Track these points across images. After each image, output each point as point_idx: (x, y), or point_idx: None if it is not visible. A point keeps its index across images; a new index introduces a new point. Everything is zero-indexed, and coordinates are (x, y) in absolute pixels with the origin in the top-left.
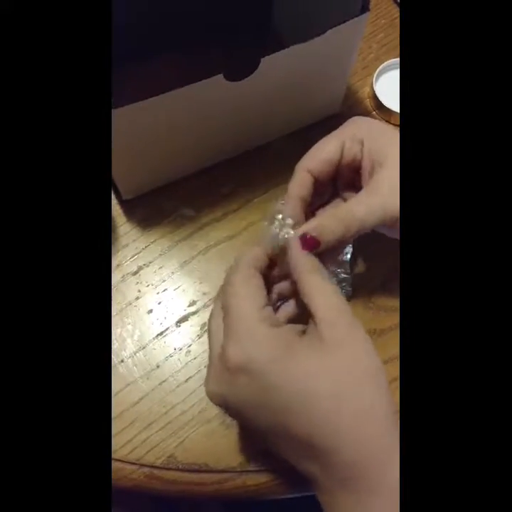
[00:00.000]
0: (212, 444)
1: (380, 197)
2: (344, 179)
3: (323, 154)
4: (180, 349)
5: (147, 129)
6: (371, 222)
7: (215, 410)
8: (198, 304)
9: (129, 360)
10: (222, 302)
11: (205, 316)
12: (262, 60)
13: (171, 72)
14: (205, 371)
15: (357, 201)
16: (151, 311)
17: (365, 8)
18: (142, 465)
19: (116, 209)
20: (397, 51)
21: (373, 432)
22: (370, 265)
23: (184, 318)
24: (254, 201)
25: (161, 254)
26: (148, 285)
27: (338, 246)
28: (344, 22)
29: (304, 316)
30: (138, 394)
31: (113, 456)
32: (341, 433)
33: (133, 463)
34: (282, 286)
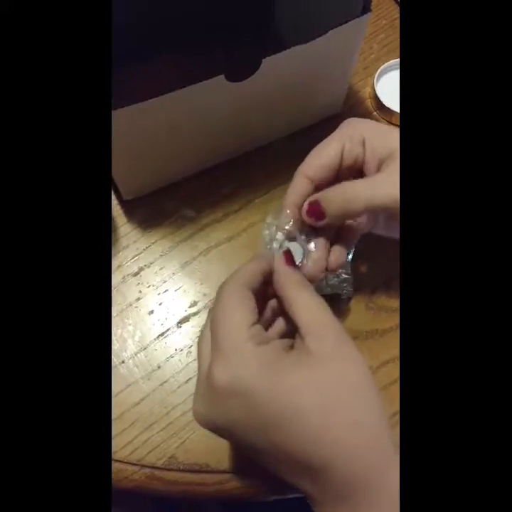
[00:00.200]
0: (213, 444)
1: (388, 185)
2: (345, 180)
3: (322, 160)
4: (182, 350)
5: (148, 130)
6: (378, 202)
7: None
8: (199, 305)
9: (130, 361)
10: (211, 321)
11: (205, 316)
12: (263, 60)
13: (172, 72)
14: None
15: (366, 181)
16: (152, 311)
17: (366, 9)
18: (143, 466)
19: (116, 210)
20: (398, 52)
21: (365, 444)
22: (371, 265)
23: (185, 319)
24: (255, 202)
25: (161, 255)
26: (149, 286)
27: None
28: (345, 23)
29: (295, 331)
30: (139, 395)
31: (114, 457)
32: (333, 447)
33: (134, 464)
34: (275, 302)
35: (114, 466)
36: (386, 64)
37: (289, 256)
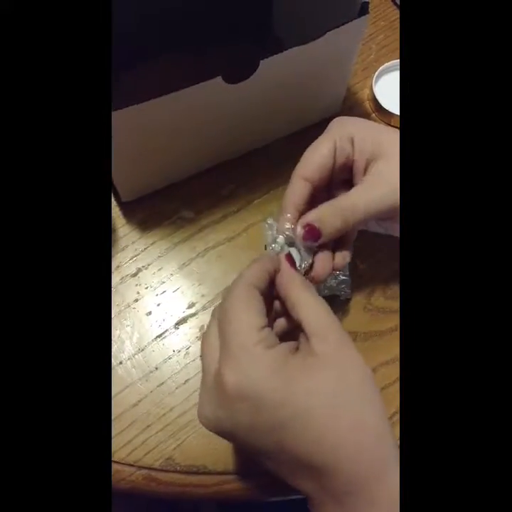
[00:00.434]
0: (210, 445)
1: (380, 188)
2: (336, 179)
3: (317, 160)
4: (179, 351)
5: (146, 132)
6: (371, 213)
7: None
8: (197, 306)
9: (128, 362)
10: (219, 323)
11: (203, 318)
12: (262, 62)
13: (170, 74)
14: None
15: (356, 192)
16: (150, 313)
17: (364, 11)
18: (141, 467)
19: (115, 211)
20: (397, 53)
21: (369, 443)
22: (369, 267)
23: (183, 320)
24: (254, 203)
25: (160, 256)
26: (147, 287)
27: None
28: (343, 25)
29: (294, 331)
30: (137, 396)
31: (111, 458)
32: (337, 449)
33: (131, 465)
34: (277, 303)
35: (112, 467)
36: (384, 65)
37: (290, 259)
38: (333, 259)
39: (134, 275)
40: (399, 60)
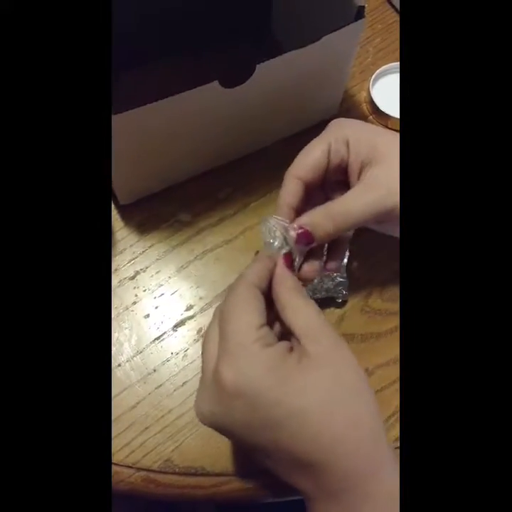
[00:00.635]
0: (208, 447)
1: (374, 192)
2: (332, 181)
3: (310, 160)
4: (177, 353)
5: (144, 135)
6: (365, 217)
7: None
8: (195, 309)
9: (126, 364)
10: (219, 322)
11: (201, 320)
12: (259, 66)
13: (167, 78)
14: None
15: (350, 197)
16: (148, 315)
17: (360, 15)
18: (139, 469)
19: (113, 214)
20: (394, 55)
21: (365, 441)
22: (366, 269)
23: (181, 323)
24: (251, 206)
25: (157, 259)
26: (145, 290)
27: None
28: (339, 28)
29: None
30: (135, 398)
31: (111, 460)
32: (334, 446)
33: (130, 467)
34: None
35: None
36: (382, 68)
37: (288, 259)
38: (323, 261)
39: (132, 278)
40: (396, 63)
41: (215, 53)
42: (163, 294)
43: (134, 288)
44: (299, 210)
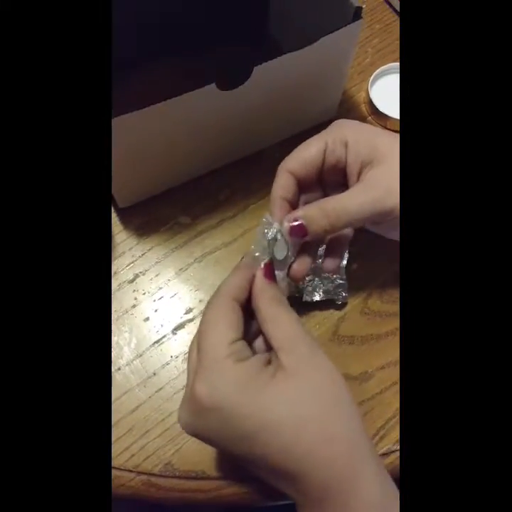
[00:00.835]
0: (209, 451)
1: (373, 192)
2: (330, 181)
3: (304, 156)
4: (177, 356)
5: (142, 138)
6: (362, 216)
7: None
8: (195, 312)
9: (126, 367)
10: (198, 336)
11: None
12: (256, 68)
13: (165, 81)
14: None
15: (348, 195)
16: (147, 318)
17: (357, 16)
18: (140, 473)
19: (112, 217)
20: (393, 56)
21: (339, 453)
22: (365, 271)
23: (180, 326)
24: (250, 208)
25: (157, 262)
26: (144, 293)
27: (339, 250)
28: (337, 30)
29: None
30: (135, 402)
31: (111, 464)
32: (307, 459)
33: (130, 470)
34: None
35: (112, 473)
36: (380, 69)
37: (269, 268)
38: (317, 259)
39: (132, 281)
40: (395, 63)
41: (213, 56)
42: (162, 297)
43: (134, 291)
44: (293, 205)
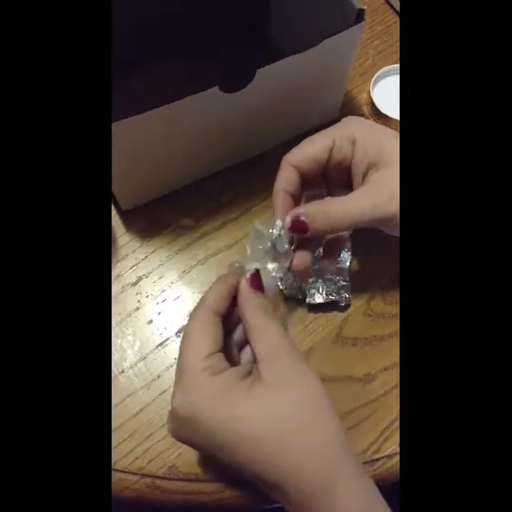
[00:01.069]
0: None
1: (376, 197)
2: (334, 178)
3: (309, 151)
4: None
5: (145, 141)
6: (363, 220)
7: None
8: None
9: (130, 370)
10: (179, 349)
11: None
12: (258, 71)
13: (167, 85)
14: None
15: (352, 198)
16: (151, 321)
17: (359, 18)
18: (144, 475)
19: (115, 220)
20: (394, 57)
21: (320, 465)
22: (368, 272)
23: (184, 328)
24: (253, 210)
25: (160, 265)
26: (147, 295)
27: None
28: (339, 32)
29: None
30: (139, 404)
31: (115, 467)
32: (293, 470)
33: (134, 473)
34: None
35: (115, 475)
36: (382, 70)
37: (255, 278)
38: (312, 256)
39: (135, 284)
40: (396, 65)
41: (215, 59)
42: (165, 300)
43: (137, 294)
44: (296, 199)
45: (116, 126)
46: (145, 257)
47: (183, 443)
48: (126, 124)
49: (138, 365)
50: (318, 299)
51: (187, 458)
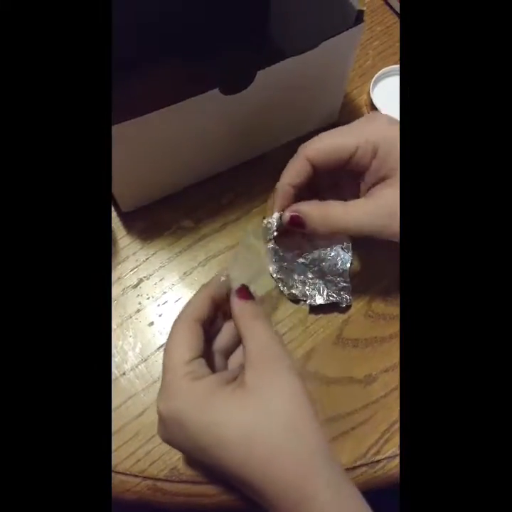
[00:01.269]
0: None
1: (375, 216)
2: (345, 176)
3: (329, 149)
4: None
5: (145, 144)
6: (358, 233)
7: None
8: None
9: (131, 372)
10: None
11: None
12: (259, 72)
13: (168, 87)
14: None
15: (351, 209)
16: (152, 323)
17: (359, 20)
18: (145, 477)
19: (115, 222)
20: (394, 58)
21: (288, 473)
22: (369, 273)
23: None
24: (254, 211)
25: (161, 266)
26: (148, 298)
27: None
28: (339, 33)
29: None
30: (140, 406)
31: (116, 469)
32: (257, 475)
33: (136, 475)
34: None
35: (117, 478)
36: (381, 71)
37: (243, 291)
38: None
39: (136, 286)
40: (396, 66)
41: (215, 61)
42: (166, 302)
43: (138, 296)
44: (300, 191)
45: (116, 129)
46: (146, 259)
47: (167, 443)
48: (126, 127)
49: (139, 367)
50: (319, 300)
51: (189, 460)
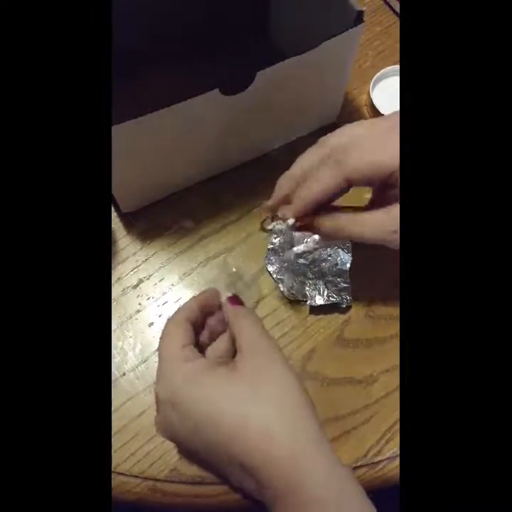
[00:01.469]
0: None
1: (387, 229)
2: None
3: (376, 169)
4: None
5: (145, 144)
6: (370, 242)
7: None
8: None
9: (131, 373)
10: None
11: None
12: (259, 73)
13: (168, 88)
14: None
15: (364, 223)
16: (152, 324)
17: (359, 20)
18: (145, 478)
19: (115, 222)
20: (394, 58)
21: (277, 454)
22: (370, 274)
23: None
24: (254, 211)
25: (161, 267)
26: (148, 298)
27: None
28: (339, 34)
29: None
30: (140, 407)
31: (116, 469)
32: (247, 455)
33: (136, 476)
34: (212, 327)
35: (117, 478)
36: (381, 71)
37: (234, 298)
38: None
39: (136, 286)
40: (395, 66)
41: (215, 61)
42: (166, 302)
43: (138, 296)
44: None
45: (116, 129)
46: (146, 260)
47: (167, 438)
48: (126, 127)
49: (139, 367)
50: (319, 300)
51: (186, 453)
